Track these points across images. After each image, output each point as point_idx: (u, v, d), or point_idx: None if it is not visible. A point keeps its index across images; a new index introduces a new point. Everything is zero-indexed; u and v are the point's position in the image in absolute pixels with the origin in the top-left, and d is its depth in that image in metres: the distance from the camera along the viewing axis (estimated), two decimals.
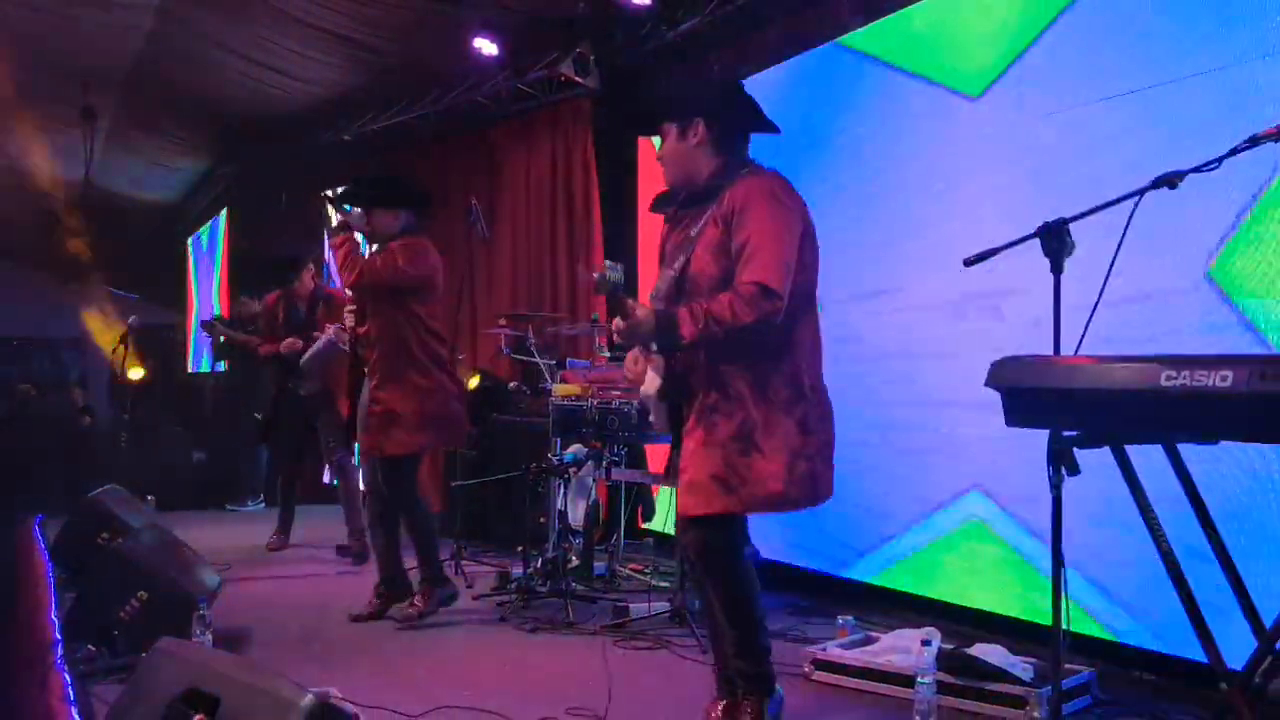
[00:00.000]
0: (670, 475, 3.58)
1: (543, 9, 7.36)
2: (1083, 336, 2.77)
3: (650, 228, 6.61)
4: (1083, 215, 2.85)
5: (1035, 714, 3.58)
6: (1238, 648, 2.55)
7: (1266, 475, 3.49)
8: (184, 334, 14.76)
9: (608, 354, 6.13)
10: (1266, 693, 2.43)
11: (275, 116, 10.06)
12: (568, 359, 6.64)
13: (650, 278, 6.50)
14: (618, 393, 5.50)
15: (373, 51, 8.14)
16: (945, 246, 4.55)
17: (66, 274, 14.06)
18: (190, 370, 14.43)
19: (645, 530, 7.11)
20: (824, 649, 4.26)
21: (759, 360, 3.25)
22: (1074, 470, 2.64)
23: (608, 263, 3.41)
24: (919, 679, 3.55)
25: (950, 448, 4.92)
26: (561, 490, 5.74)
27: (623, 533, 6.23)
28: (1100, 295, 2.81)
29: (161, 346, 13.75)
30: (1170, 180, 2.67)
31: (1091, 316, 2.79)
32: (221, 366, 11.01)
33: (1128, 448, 2.61)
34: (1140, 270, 3.62)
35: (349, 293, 5.44)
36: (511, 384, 7.12)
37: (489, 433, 7.14)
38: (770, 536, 5.60)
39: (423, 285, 5.12)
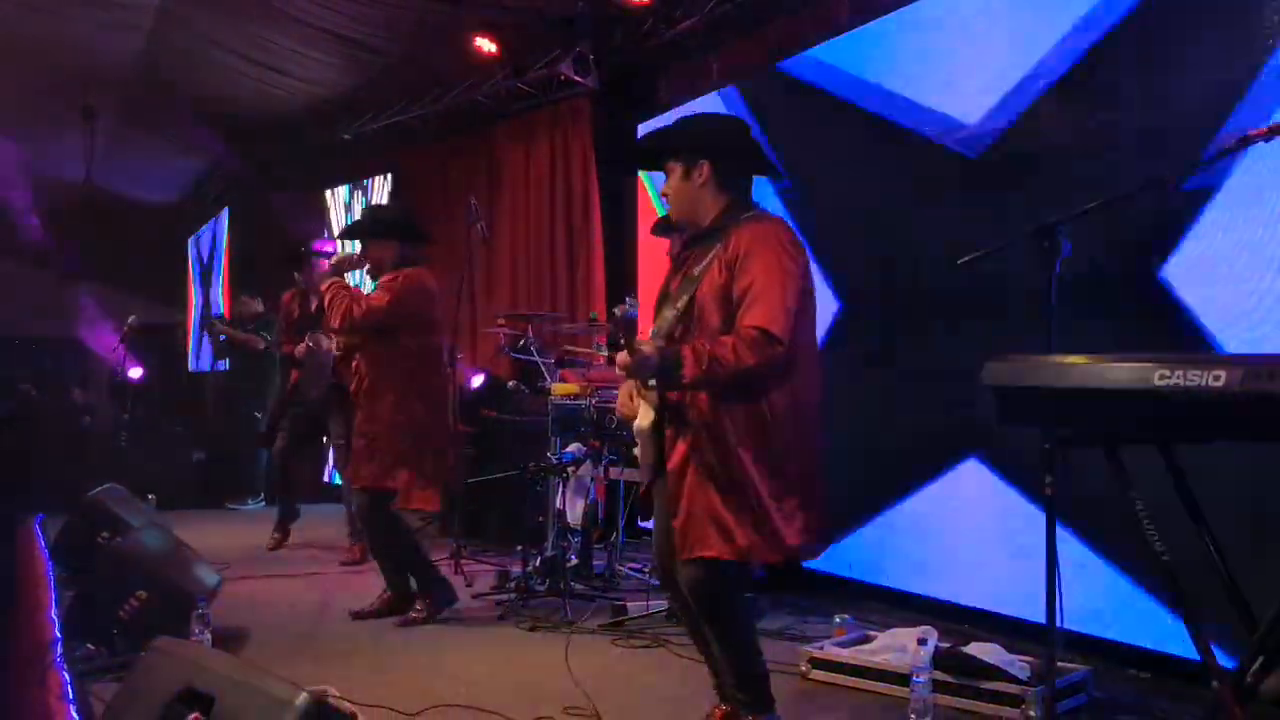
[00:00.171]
0: (646, 507, 3.57)
1: (542, 8, 7.37)
2: None
3: (649, 227, 6.62)
4: (1074, 217, 2.85)
5: (1031, 712, 3.58)
6: (1230, 648, 2.56)
7: (1261, 475, 3.50)
8: (184, 333, 14.76)
9: (606, 353, 6.14)
10: (1258, 692, 2.44)
11: (275, 116, 10.08)
12: (566, 358, 6.65)
13: (648, 280, 6.53)
14: (616, 392, 5.51)
15: (373, 51, 8.15)
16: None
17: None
18: (191, 369, 14.44)
19: (644, 529, 7.12)
20: (821, 647, 4.27)
21: (753, 400, 3.22)
22: (1064, 473, 2.64)
23: (628, 300, 3.43)
24: (915, 677, 3.56)
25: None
26: (560, 489, 5.76)
27: (621, 532, 6.24)
28: (1092, 294, 2.81)
29: (162, 346, 13.75)
30: (1161, 182, 2.68)
31: (1084, 316, 2.80)
32: (223, 365, 11.02)
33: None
34: None
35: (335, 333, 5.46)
36: (510, 383, 7.13)
37: (488, 432, 7.16)
38: None
39: (408, 320, 5.11)
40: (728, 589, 3.29)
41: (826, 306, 5.37)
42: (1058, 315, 2.85)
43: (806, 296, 3.30)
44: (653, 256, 6.82)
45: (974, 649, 3.93)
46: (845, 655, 4.17)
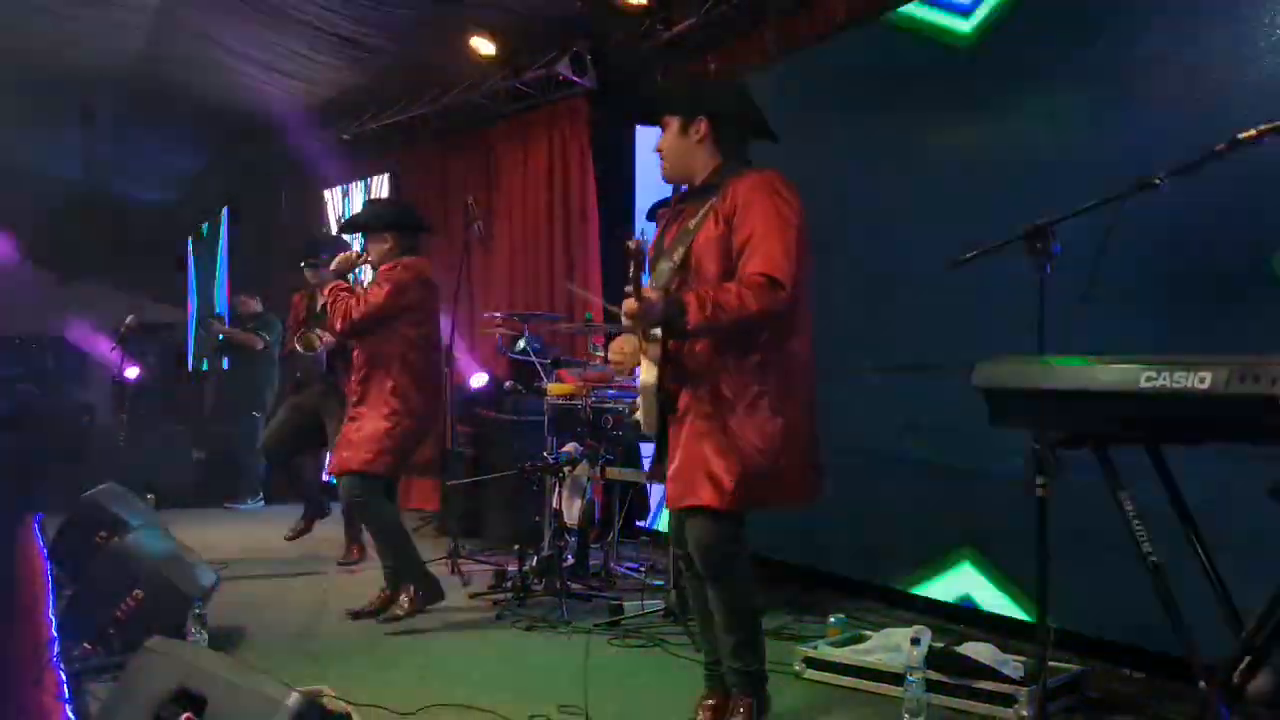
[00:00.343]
0: (657, 471, 3.58)
1: (540, 8, 7.38)
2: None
3: (649, 229, 6.63)
4: (1066, 218, 2.87)
5: (1024, 712, 3.60)
6: (1221, 648, 2.57)
7: (1247, 476, 3.50)
8: (184, 332, 14.79)
9: (602, 354, 6.16)
10: (1245, 692, 2.45)
11: (275, 115, 10.09)
12: (562, 358, 6.66)
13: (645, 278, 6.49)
14: (612, 392, 5.52)
15: (371, 51, 8.16)
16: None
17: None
18: (190, 368, 14.46)
19: (640, 529, 7.14)
20: (815, 647, 4.28)
21: (755, 354, 3.27)
22: (1057, 473, 2.66)
23: (641, 232, 3.44)
24: (908, 677, 3.58)
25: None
26: (557, 489, 5.77)
27: (618, 531, 6.25)
28: (1086, 294, 2.83)
29: (162, 345, 13.77)
30: (1151, 183, 2.69)
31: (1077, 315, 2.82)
32: (224, 364, 11.04)
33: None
34: None
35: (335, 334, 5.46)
36: (507, 383, 7.14)
37: (485, 432, 7.18)
38: (768, 532, 5.61)
39: (407, 310, 5.12)
40: (727, 544, 3.31)
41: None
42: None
43: (804, 245, 3.31)
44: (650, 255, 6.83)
45: (968, 649, 3.94)
46: (839, 655, 4.18)
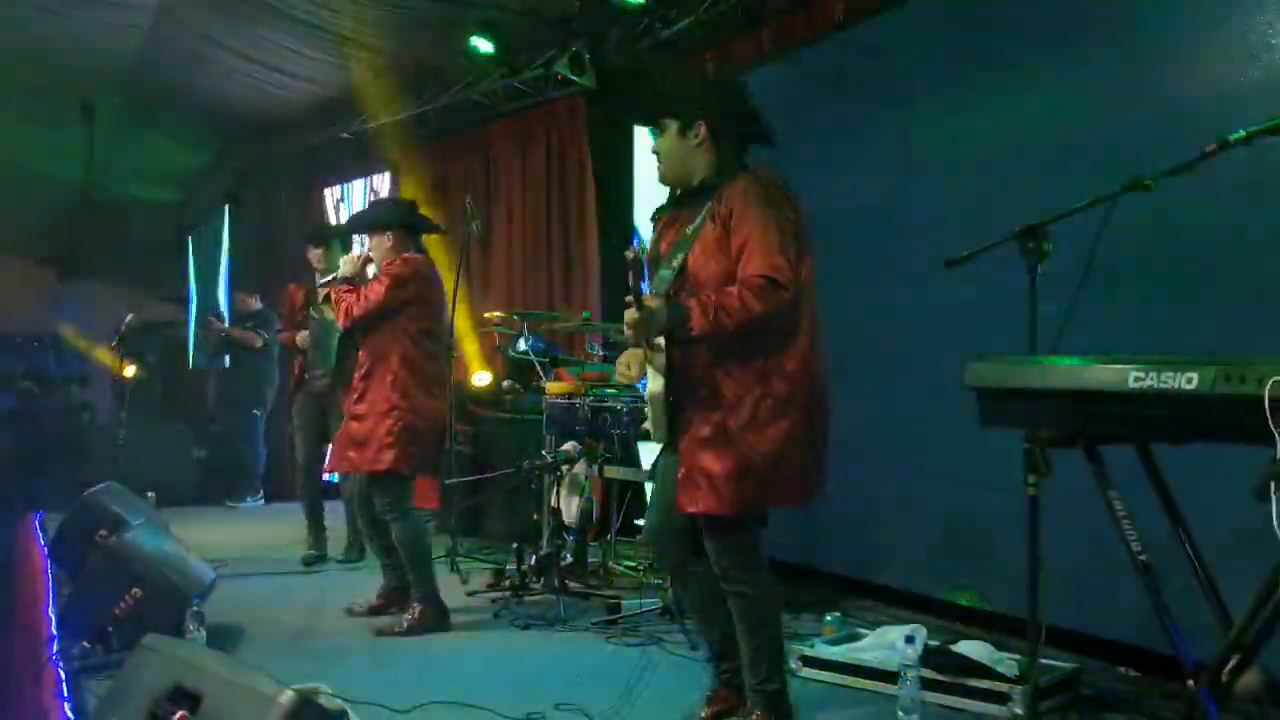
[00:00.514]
0: (657, 474, 3.60)
1: (539, 8, 7.39)
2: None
3: (647, 228, 6.64)
4: (1060, 218, 2.88)
5: (1018, 709, 3.62)
6: (1212, 647, 2.58)
7: (1237, 475, 3.51)
8: (185, 331, 14.78)
9: (601, 353, 6.17)
10: (1233, 690, 2.47)
11: (275, 114, 10.11)
12: (560, 356, 6.68)
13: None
14: (611, 391, 5.54)
15: (371, 50, 8.17)
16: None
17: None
18: (191, 367, 14.46)
19: (638, 528, 7.15)
20: (811, 645, 4.30)
21: (757, 357, 3.26)
22: (1047, 472, 2.67)
23: (637, 241, 3.43)
24: (903, 675, 3.60)
25: None
26: (555, 488, 5.79)
27: (616, 530, 6.27)
28: (1077, 293, 2.85)
29: (162, 343, 13.77)
30: (1143, 184, 2.71)
31: (1069, 316, 2.83)
32: (219, 363, 11.05)
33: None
34: None
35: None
36: (505, 382, 7.15)
37: (483, 431, 7.20)
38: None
39: (408, 304, 5.10)
40: (741, 552, 3.32)
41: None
42: None
43: (803, 249, 3.30)
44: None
45: (963, 647, 3.96)
46: (835, 653, 4.20)
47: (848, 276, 5.39)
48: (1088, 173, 4.03)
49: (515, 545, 5.76)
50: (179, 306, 14.46)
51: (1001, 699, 3.70)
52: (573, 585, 5.54)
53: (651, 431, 3.48)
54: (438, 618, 5.08)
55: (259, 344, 9.26)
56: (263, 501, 9.49)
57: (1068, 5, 4.54)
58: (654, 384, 3.40)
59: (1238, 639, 2.42)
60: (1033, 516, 2.83)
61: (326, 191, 11.12)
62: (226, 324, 10.01)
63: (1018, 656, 3.92)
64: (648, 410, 3.46)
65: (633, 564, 6.18)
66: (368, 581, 5.83)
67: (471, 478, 6.92)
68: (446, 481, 6.88)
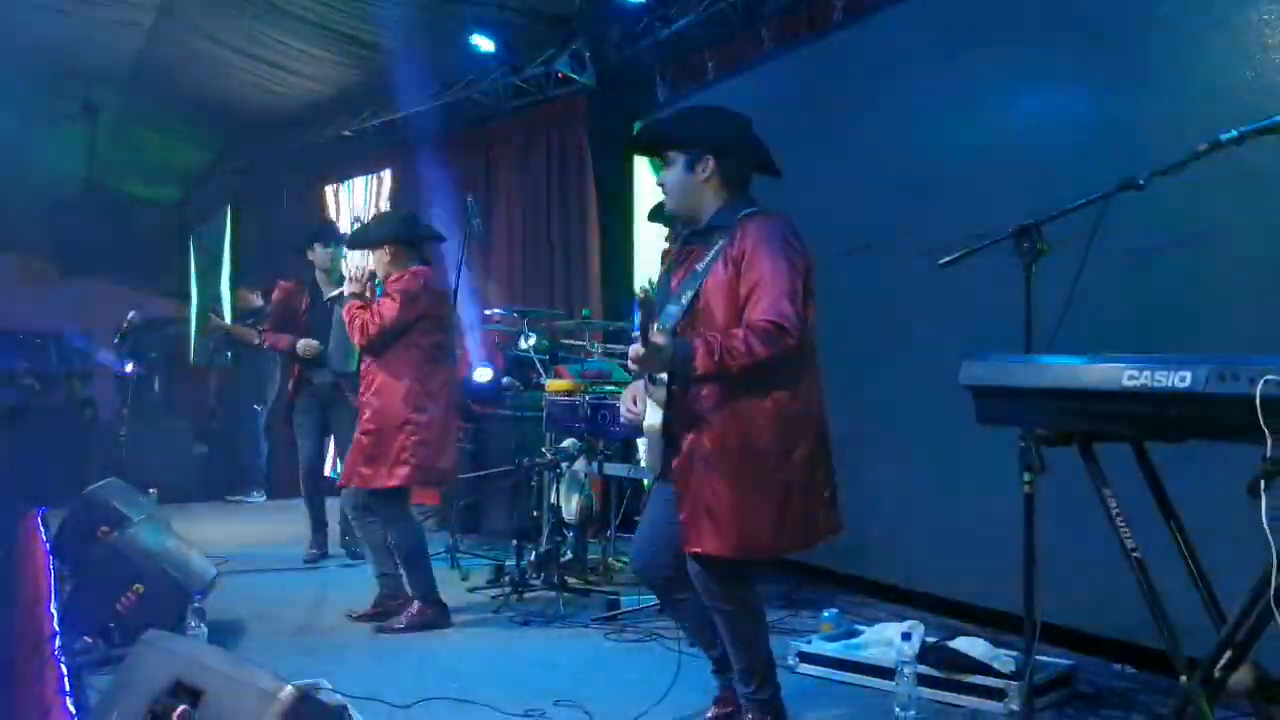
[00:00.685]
0: (649, 503, 3.61)
1: (539, 6, 7.41)
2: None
3: (647, 226, 6.66)
4: (1054, 218, 2.90)
5: (1014, 706, 3.64)
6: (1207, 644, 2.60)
7: (1231, 473, 3.53)
8: (187, 328, 14.80)
9: (600, 350, 6.19)
10: (1227, 686, 2.48)
11: (277, 112, 10.12)
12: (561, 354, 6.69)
13: (644, 277, 6.52)
14: (610, 388, 5.56)
15: (371, 48, 8.19)
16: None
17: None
18: (194, 363, 14.48)
19: (638, 524, 7.16)
20: (808, 642, 4.32)
21: (761, 399, 3.27)
22: (1042, 469, 2.69)
23: (650, 281, 3.45)
24: (900, 671, 3.62)
25: None
26: (555, 485, 5.81)
27: (615, 527, 6.29)
28: (1071, 294, 2.86)
29: (164, 340, 13.79)
30: (1135, 184, 2.72)
31: (1064, 314, 2.85)
32: (227, 359, 11.06)
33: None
34: None
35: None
36: (505, 379, 7.17)
37: (484, 428, 7.21)
38: None
39: (417, 319, 5.09)
40: (729, 583, 3.33)
41: None
42: None
43: (809, 295, 3.32)
44: (650, 253, 6.86)
45: (960, 643, 3.97)
46: (832, 649, 4.22)
47: (847, 274, 5.42)
48: (1082, 171, 4.04)
49: (515, 542, 5.78)
50: (181, 303, 14.48)
51: (998, 695, 3.71)
52: (572, 582, 5.56)
53: (644, 462, 3.49)
54: (437, 615, 5.10)
55: (256, 340, 9.25)
56: (265, 497, 9.50)
57: (1066, 3, 4.56)
58: (652, 418, 3.40)
59: (1230, 636, 2.43)
60: (1029, 514, 2.85)
61: (328, 189, 11.13)
62: (227, 320, 10.02)
63: (1014, 653, 3.93)
64: (642, 443, 3.46)
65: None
66: (368, 580, 5.84)
67: (472, 475, 6.94)
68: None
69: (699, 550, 3.27)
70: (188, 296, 14.52)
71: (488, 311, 7.13)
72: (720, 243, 3.33)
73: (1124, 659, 4.14)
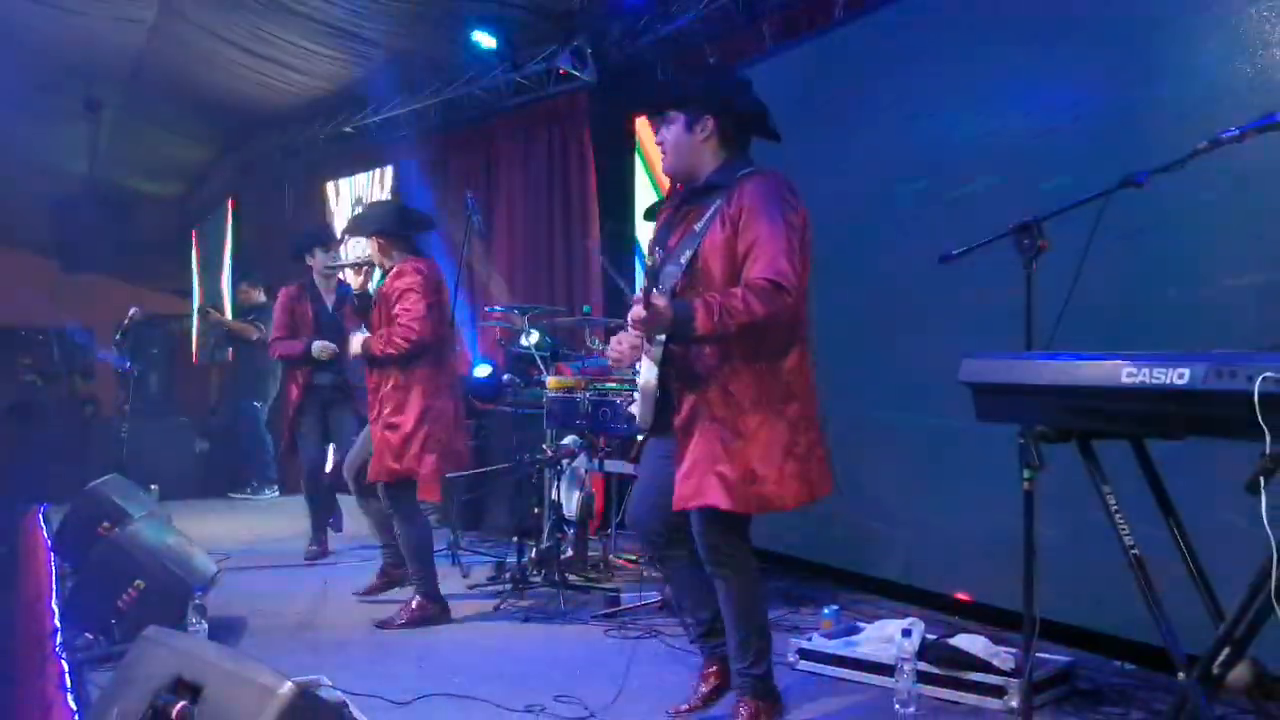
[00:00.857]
0: (643, 459, 3.63)
1: (540, 2, 7.40)
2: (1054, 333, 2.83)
3: (643, 227, 6.66)
4: (1055, 214, 2.90)
5: (1014, 703, 3.64)
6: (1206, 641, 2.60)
7: (1229, 470, 3.53)
8: (188, 325, 14.83)
9: (601, 347, 6.19)
10: (1225, 683, 2.49)
11: (278, 108, 10.12)
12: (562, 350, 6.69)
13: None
14: (611, 385, 5.55)
15: (372, 44, 8.19)
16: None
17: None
18: (195, 360, 14.51)
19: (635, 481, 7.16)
20: (809, 639, 4.32)
21: (759, 357, 3.31)
22: (1040, 466, 2.69)
23: (658, 250, 3.45)
24: (900, 668, 3.62)
25: None
26: (556, 481, 5.81)
27: (616, 523, 6.29)
28: (1071, 292, 2.86)
29: (165, 337, 13.81)
30: (1135, 182, 2.72)
31: (1063, 312, 2.85)
32: (229, 355, 11.08)
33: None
34: None
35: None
36: (505, 375, 7.17)
37: (484, 424, 7.21)
38: (767, 524, 5.65)
39: (433, 307, 5.13)
40: (733, 541, 3.37)
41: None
42: None
43: (806, 249, 3.34)
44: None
45: (960, 641, 3.97)
46: (832, 646, 4.22)
47: (847, 270, 5.42)
48: (1083, 168, 4.05)
49: (516, 539, 5.79)
50: (182, 300, 14.50)
51: (998, 692, 3.71)
52: (573, 578, 5.57)
53: (637, 418, 3.51)
54: (437, 611, 5.11)
55: (254, 336, 9.27)
56: (278, 493, 9.49)
57: (1067, 1, 4.56)
58: (647, 374, 3.42)
59: (1229, 632, 2.44)
60: (1028, 510, 2.85)
61: (329, 186, 11.14)
62: (226, 316, 10.03)
63: (1015, 650, 3.94)
64: (637, 396, 3.49)
65: (633, 557, 6.20)
66: (370, 574, 5.86)
67: (473, 471, 6.94)
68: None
69: (705, 503, 3.28)
70: (189, 293, 14.55)
71: (488, 308, 7.12)
72: (718, 202, 3.34)
73: (1123, 656, 4.14)
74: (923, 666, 3.77)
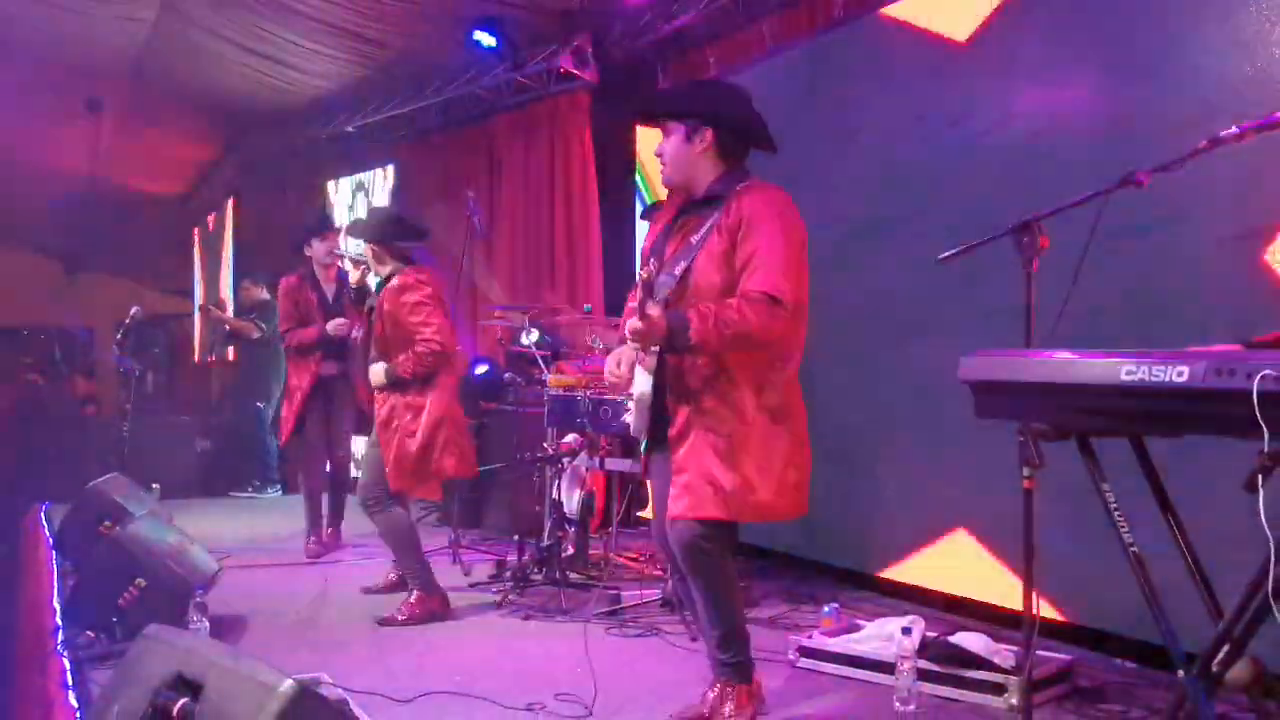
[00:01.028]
0: (653, 472, 3.65)
1: (541, 2, 7.41)
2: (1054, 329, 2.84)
3: (642, 226, 6.66)
4: (1054, 212, 2.90)
5: (1014, 700, 3.64)
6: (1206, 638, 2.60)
7: (1228, 468, 3.53)
8: (190, 324, 14.85)
9: (601, 346, 6.19)
10: (1224, 681, 2.49)
11: (280, 108, 10.13)
12: (563, 349, 6.70)
13: None
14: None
15: (373, 44, 8.20)
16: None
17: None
18: (198, 359, 14.53)
19: (640, 519, 7.18)
20: (809, 636, 4.33)
21: (756, 368, 3.34)
22: (1040, 464, 2.69)
23: (653, 263, 3.48)
24: (900, 666, 3.62)
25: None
26: (557, 480, 5.81)
27: (617, 522, 6.29)
28: (1071, 290, 2.86)
29: (167, 336, 13.83)
30: (1135, 180, 2.73)
31: (1063, 310, 2.85)
32: (230, 354, 11.10)
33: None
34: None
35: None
36: (506, 374, 7.17)
37: (485, 423, 7.21)
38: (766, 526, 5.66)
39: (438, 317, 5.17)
40: (717, 547, 3.40)
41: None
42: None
43: (803, 265, 3.37)
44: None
45: (960, 638, 3.97)
46: (832, 644, 4.22)
47: (846, 269, 5.43)
48: (1082, 167, 4.05)
49: (517, 537, 5.79)
50: (184, 299, 14.52)
51: (998, 690, 3.71)
52: (574, 577, 5.57)
53: (632, 428, 3.54)
54: (437, 603, 5.14)
55: (255, 334, 9.27)
56: (281, 492, 9.49)
57: None
58: (642, 385, 3.45)
59: (1228, 630, 2.44)
60: (1028, 508, 2.85)
61: (330, 185, 11.15)
62: (229, 313, 10.03)
63: (1015, 648, 3.94)
64: (632, 406, 3.52)
65: (633, 556, 6.20)
66: (370, 574, 5.87)
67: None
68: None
69: (702, 517, 3.33)
70: (191, 292, 14.56)
71: (489, 307, 7.12)
72: (716, 214, 3.37)
73: (1123, 654, 4.15)
74: (923, 664, 3.78)
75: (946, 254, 3.14)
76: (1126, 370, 2.37)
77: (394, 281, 5.18)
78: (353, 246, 5.57)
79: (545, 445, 5.81)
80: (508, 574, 5.66)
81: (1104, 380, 2.42)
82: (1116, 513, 2.61)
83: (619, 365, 3.52)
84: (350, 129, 9.98)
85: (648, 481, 6.43)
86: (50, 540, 6.36)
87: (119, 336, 9.14)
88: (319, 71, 9.01)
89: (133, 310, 8.88)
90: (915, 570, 5.16)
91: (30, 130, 10.68)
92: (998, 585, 4.66)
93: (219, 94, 9.84)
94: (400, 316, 5.11)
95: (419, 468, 5.10)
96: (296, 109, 10.14)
